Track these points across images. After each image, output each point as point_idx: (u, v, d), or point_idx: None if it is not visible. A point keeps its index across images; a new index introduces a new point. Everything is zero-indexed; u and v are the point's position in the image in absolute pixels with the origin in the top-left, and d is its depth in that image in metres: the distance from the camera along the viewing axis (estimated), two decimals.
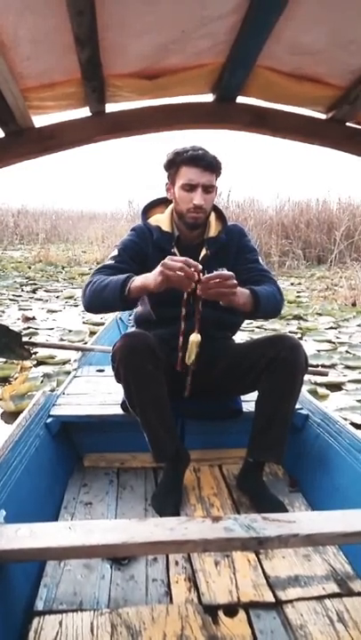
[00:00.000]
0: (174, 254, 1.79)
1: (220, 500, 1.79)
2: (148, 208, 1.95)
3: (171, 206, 1.86)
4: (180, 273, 1.43)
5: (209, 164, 1.71)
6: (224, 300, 1.53)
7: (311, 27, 1.01)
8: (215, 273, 1.46)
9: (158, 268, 1.47)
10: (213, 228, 1.86)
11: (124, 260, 1.78)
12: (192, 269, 1.44)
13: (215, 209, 1.90)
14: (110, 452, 2.05)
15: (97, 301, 1.68)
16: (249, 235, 1.98)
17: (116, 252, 1.82)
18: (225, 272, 1.47)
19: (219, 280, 1.46)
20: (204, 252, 1.82)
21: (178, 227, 1.85)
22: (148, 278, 1.53)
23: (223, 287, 1.47)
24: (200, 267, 1.46)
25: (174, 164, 1.76)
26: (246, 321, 3.89)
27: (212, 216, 1.88)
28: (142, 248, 1.83)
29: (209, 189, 1.74)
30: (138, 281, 1.57)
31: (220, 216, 1.91)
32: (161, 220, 1.87)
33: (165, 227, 1.84)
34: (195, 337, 1.61)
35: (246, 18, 0.96)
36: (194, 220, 1.76)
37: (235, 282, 1.49)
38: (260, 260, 1.90)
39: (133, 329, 1.94)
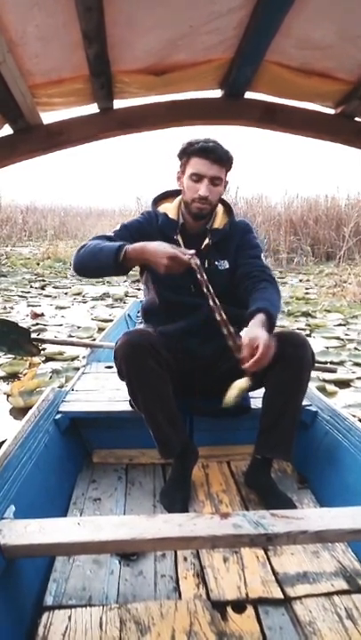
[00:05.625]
0: (177, 241, 1.81)
1: (229, 497, 1.79)
2: (159, 198, 1.98)
3: (180, 196, 1.89)
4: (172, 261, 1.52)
5: (219, 158, 1.72)
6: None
7: (320, 21, 1.00)
8: (262, 346, 1.44)
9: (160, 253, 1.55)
10: (219, 221, 1.88)
11: (124, 236, 1.79)
12: (186, 256, 1.54)
13: (224, 203, 1.92)
14: (119, 449, 2.05)
15: (90, 262, 1.69)
16: (255, 232, 1.98)
17: (118, 227, 1.87)
18: (267, 343, 1.46)
19: (265, 350, 1.45)
20: (206, 241, 1.84)
21: (184, 215, 1.87)
22: (152, 247, 1.58)
23: (266, 356, 1.46)
24: (192, 251, 1.55)
25: (185, 153, 1.78)
26: None
27: (220, 209, 1.90)
28: (147, 230, 1.85)
29: (216, 182, 1.75)
30: (138, 245, 1.60)
31: (228, 210, 1.92)
32: (169, 208, 1.90)
33: (172, 214, 1.87)
34: (242, 382, 1.53)
35: (254, 13, 0.95)
36: (198, 210, 1.77)
37: (273, 345, 1.48)
38: (263, 258, 1.91)
39: (142, 325, 1.94)
